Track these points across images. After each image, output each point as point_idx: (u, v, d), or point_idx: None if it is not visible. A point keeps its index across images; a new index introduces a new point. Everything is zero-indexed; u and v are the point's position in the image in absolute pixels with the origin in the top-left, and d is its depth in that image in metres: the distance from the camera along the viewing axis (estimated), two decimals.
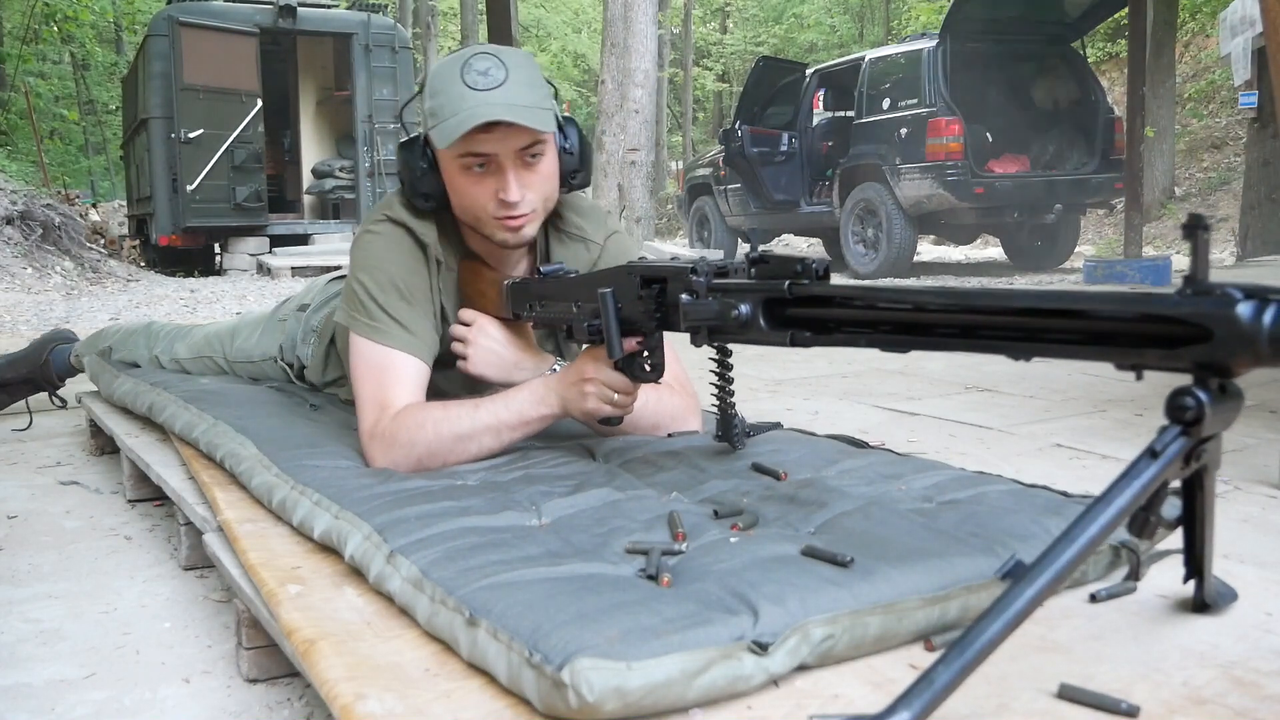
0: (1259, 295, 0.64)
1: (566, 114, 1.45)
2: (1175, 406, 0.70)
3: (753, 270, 1.02)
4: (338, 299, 1.78)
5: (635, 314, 1.16)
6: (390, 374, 1.37)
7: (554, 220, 1.50)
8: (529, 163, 1.34)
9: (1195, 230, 0.68)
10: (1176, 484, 0.82)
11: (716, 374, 1.28)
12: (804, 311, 0.95)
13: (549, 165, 1.38)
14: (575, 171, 1.45)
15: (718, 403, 1.31)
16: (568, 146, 1.43)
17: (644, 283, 1.15)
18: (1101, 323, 0.73)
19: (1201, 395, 0.69)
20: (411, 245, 1.42)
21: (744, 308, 0.99)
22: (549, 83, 1.39)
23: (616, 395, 1.25)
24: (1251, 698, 0.76)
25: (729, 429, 1.32)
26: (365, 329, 1.39)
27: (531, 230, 1.39)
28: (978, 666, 0.68)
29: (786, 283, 0.96)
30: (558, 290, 1.32)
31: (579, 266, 1.49)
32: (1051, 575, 0.69)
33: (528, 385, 1.32)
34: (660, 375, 1.24)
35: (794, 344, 0.96)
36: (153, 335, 2.22)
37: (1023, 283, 7.64)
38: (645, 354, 1.22)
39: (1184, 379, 0.71)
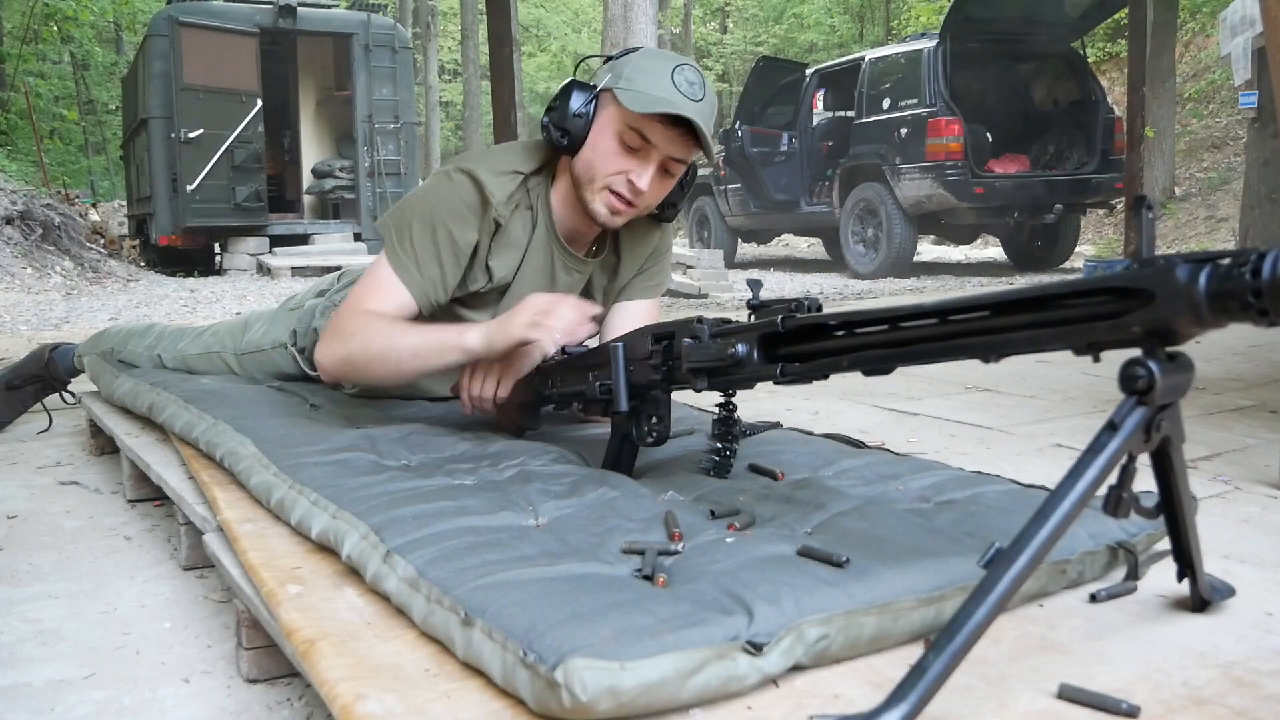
0: (1195, 260, 0.68)
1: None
2: (1127, 377, 0.73)
3: (752, 316, 1.07)
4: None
5: (645, 377, 1.20)
6: (382, 293, 1.45)
7: None
8: (668, 171, 1.44)
9: (1141, 210, 0.72)
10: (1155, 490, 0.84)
11: (722, 423, 1.27)
12: (793, 348, 1.00)
13: (670, 184, 1.48)
14: (672, 204, 1.55)
15: (720, 446, 1.29)
16: (683, 180, 1.52)
17: (654, 339, 1.19)
18: (1059, 307, 0.76)
19: (1151, 364, 0.72)
20: (474, 200, 1.48)
21: (740, 347, 1.03)
22: None
23: (564, 307, 1.30)
24: (1251, 698, 0.76)
25: (722, 467, 1.29)
26: (390, 247, 1.47)
27: (622, 221, 1.48)
28: (968, 652, 0.69)
29: (779, 317, 1.00)
30: (576, 363, 1.36)
31: (647, 249, 1.63)
32: (1029, 555, 0.71)
33: (464, 324, 1.39)
34: (663, 441, 1.25)
35: (783, 374, 1.00)
36: (155, 336, 2.22)
37: (1022, 283, 7.64)
38: (654, 419, 1.23)
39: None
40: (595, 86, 1.46)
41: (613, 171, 1.41)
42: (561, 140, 1.45)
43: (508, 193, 1.49)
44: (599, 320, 1.35)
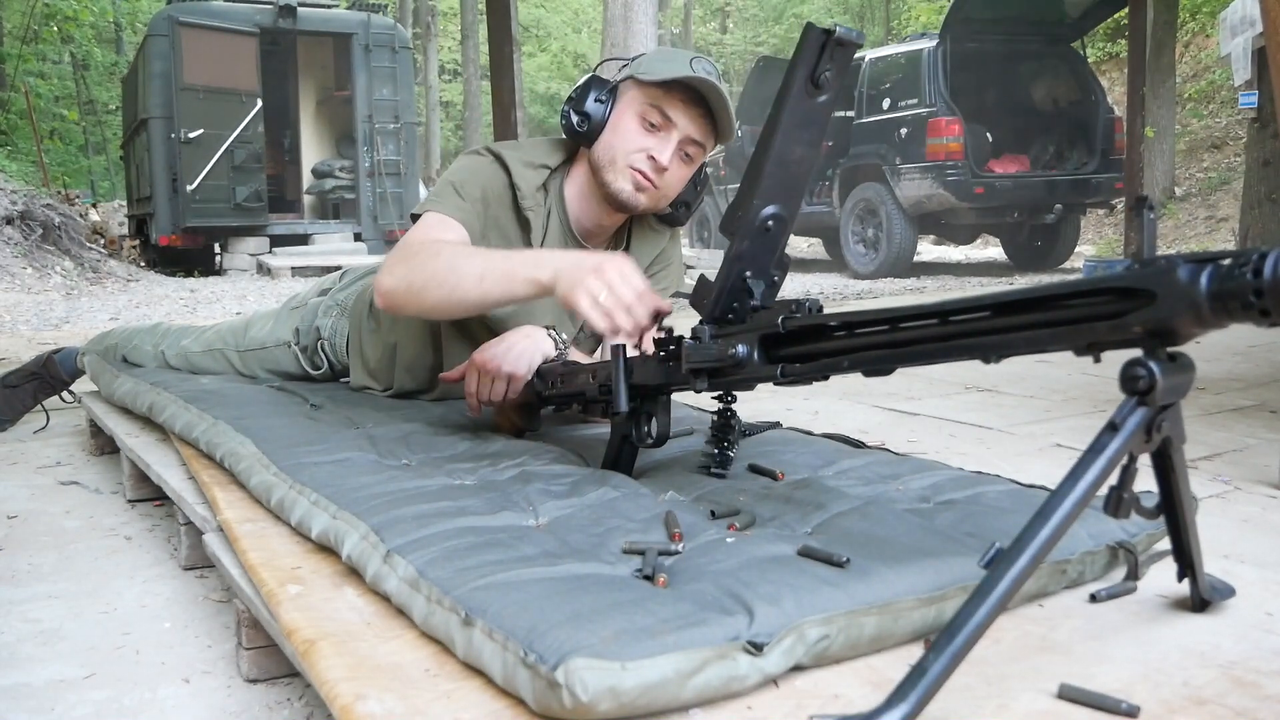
0: (1197, 260, 0.68)
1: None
2: (1128, 377, 0.73)
3: (753, 317, 1.06)
4: (367, 279, 1.82)
5: (646, 377, 1.19)
6: (439, 228, 1.44)
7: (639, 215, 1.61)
8: (686, 156, 1.47)
9: (1142, 210, 0.72)
10: (1155, 491, 0.84)
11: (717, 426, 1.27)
12: (794, 349, 1.00)
13: (689, 171, 1.51)
14: (685, 203, 1.57)
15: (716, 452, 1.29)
16: (696, 179, 1.55)
17: (656, 342, 1.18)
18: (1060, 307, 0.76)
19: (1152, 365, 0.72)
20: (503, 179, 1.50)
21: (741, 348, 1.03)
22: None
23: (624, 291, 1.13)
24: (1251, 698, 0.76)
25: (723, 461, 1.29)
26: (430, 205, 1.48)
27: (644, 201, 1.49)
28: (968, 653, 0.69)
29: (780, 318, 0.99)
30: (578, 369, 1.38)
31: (654, 251, 1.65)
32: (1030, 555, 0.71)
33: (543, 251, 1.37)
34: (663, 442, 1.25)
35: (783, 375, 1.00)
36: (159, 334, 2.23)
37: (1022, 283, 7.64)
38: (651, 417, 1.23)
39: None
40: (611, 83, 1.50)
41: (634, 149, 1.45)
42: (581, 126, 1.48)
43: (534, 185, 1.51)
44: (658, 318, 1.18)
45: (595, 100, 1.48)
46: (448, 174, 1.53)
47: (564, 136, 1.57)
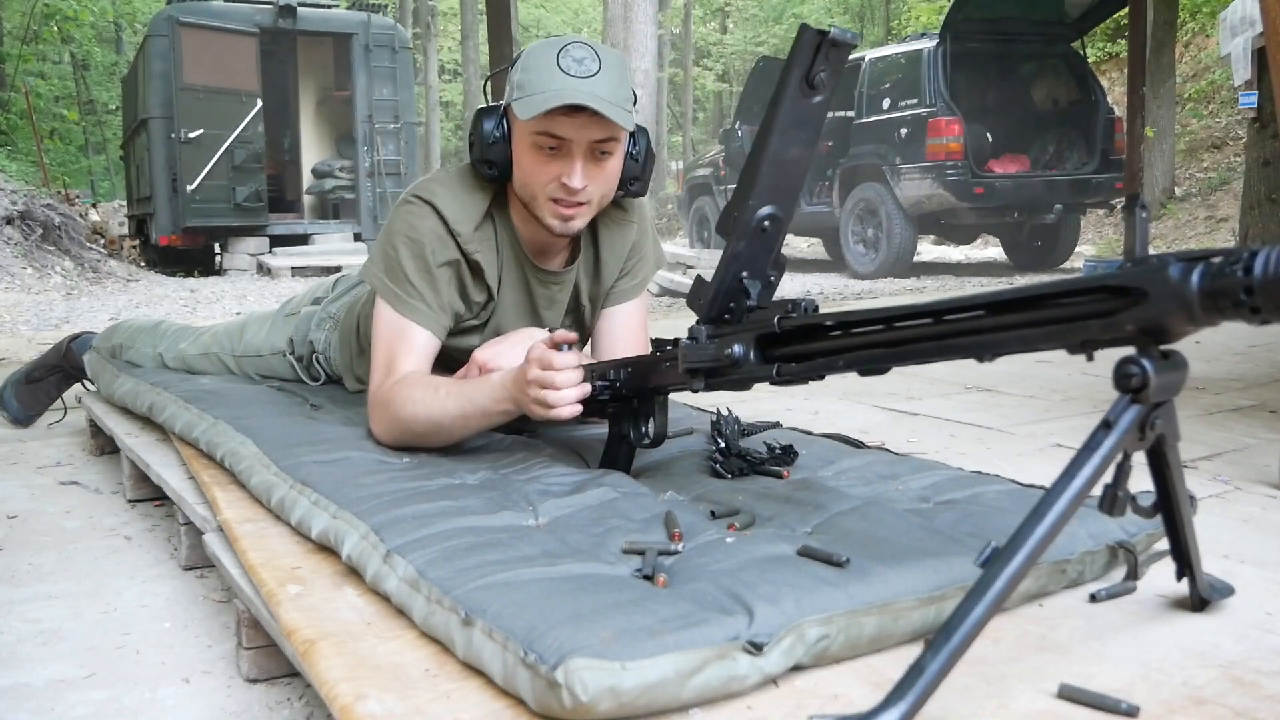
0: (1188, 258, 0.68)
1: (639, 125, 1.47)
2: (1121, 375, 0.73)
3: (749, 317, 1.06)
4: (357, 290, 1.81)
5: (643, 378, 1.19)
6: (403, 342, 1.43)
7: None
8: (598, 157, 1.37)
9: (1133, 209, 0.73)
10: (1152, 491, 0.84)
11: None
12: (790, 349, 1.00)
13: (615, 164, 1.41)
14: (634, 179, 1.49)
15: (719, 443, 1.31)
16: (634, 153, 1.46)
17: (656, 345, 1.19)
18: (1053, 306, 0.76)
19: (1145, 362, 0.72)
20: (441, 229, 1.44)
21: (737, 348, 1.03)
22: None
23: (557, 378, 1.20)
24: (1251, 698, 0.76)
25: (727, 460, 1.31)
26: (390, 295, 1.44)
27: (580, 223, 1.43)
28: (965, 651, 0.69)
29: (776, 318, 1.00)
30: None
31: (625, 246, 1.59)
32: (1025, 554, 0.71)
33: (495, 378, 1.31)
34: (660, 442, 1.25)
35: (780, 375, 1.00)
36: (159, 335, 2.23)
37: (1022, 283, 7.63)
38: (648, 418, 1.23)
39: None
40: (500, 107, 1.42)
41: (544, 182, 1.37)
42: (491, 172, 1.43)
43: (472, 226, 1.45)
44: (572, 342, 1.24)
45: (492, 142, 1.40)
46: (393, 242, 1.44)
47: None
